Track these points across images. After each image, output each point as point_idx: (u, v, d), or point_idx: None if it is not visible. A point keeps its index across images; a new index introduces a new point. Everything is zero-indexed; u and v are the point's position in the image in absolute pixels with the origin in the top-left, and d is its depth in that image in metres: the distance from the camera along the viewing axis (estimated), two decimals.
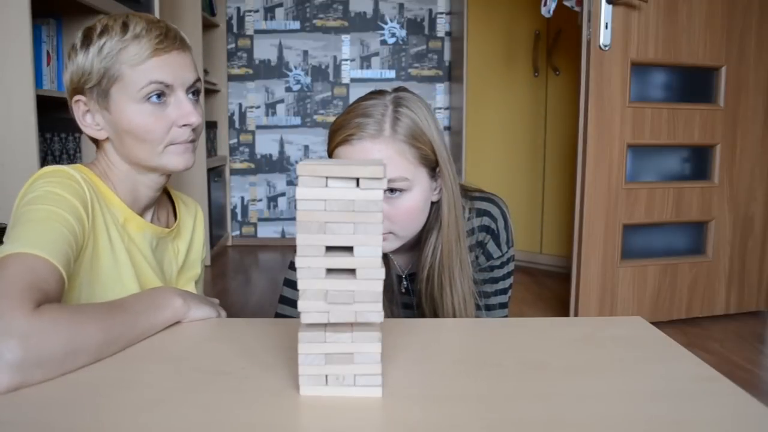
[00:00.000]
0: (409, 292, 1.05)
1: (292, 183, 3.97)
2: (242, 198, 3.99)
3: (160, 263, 0.98)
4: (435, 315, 1.00)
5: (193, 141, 0.92)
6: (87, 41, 0.87)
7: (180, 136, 0.89)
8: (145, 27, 0.87)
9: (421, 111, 0.93)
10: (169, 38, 0.88)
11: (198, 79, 0.93)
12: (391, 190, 0.91)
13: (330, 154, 0.97)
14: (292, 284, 1.06)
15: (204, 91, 3.32)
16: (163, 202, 1.04)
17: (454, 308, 0.98)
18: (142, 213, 0.95)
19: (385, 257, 1.00)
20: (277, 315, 1.06)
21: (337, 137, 0.93)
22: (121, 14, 0.90)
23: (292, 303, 1.05)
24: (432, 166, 0.95)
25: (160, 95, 0.87)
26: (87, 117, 0.91)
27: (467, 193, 1.04)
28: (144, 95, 0.86)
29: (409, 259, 1.05)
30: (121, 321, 0.70)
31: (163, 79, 0.87)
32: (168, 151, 0.89)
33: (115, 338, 0.68)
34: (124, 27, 0.87)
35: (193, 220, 1.08)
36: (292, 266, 1.07)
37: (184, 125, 0.89)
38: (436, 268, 0.97)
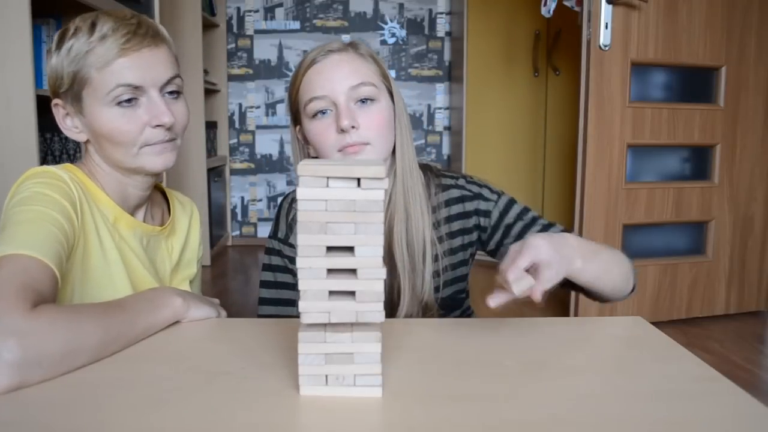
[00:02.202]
0: None
1: (292, 183, 3.96)
2: (242, 198, 3.99)
3: (153, 261, 0.97)
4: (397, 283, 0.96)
5: (172, 140, 0.90)
6: (59, 44, 0.85)
7: (154, 137, 0.87)
8: (113, 26, 0.84)
9: (370, 49, 1.00)
10: (138, 36, 0.84)
11: (176, 75, 0.89)
12: (362, 101, 0.93)
13: (295, 95, 0.98)
14: (268, 284, 1.04)
15: (204, 91, 3.32)
16: (157, 200, 1.03)
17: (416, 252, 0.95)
18: (133, 212, 0.94)
19: None
20: (260, 318, 1.03)
21: (304, 66, 0.96)
22: (94, 13, 0.87)
23: (272, 285, 1.03)
24: (389, 88, 0.98)
25: (131, 98, 0.85)
26: (67, 120, 0.90)
27: (435, 171, 1.05)
28: (112, 99, 0.84)
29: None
30: (120, 320, 0.70)
31: (131, 81, 0.84)
32: (143, 153, 0.87)
33: (114, 338, 0.68)
34: (92, 27, 0.84)
35: (189, 219, 1.07)
36: (265, 267, 1.06)
37: (158, 126, 0.86)
38: (396, 206, 0.96)
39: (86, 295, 0.85)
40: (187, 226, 1.07)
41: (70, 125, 0.90)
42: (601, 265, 0.86)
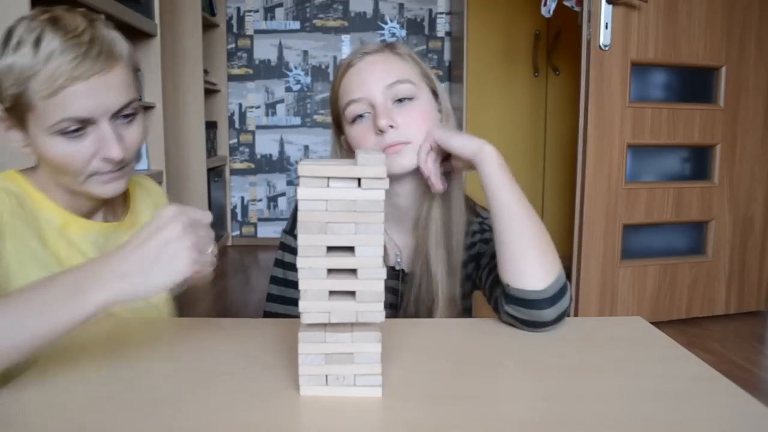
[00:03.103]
0: (396, 292, 1.03)
1: (292, 183, 3.97)
2: (242, 198, 3.99)
3: None
4: (420, 308, 0.97)
5: (121, 169, 0.83)
6: (3, 51, 0.77)
7: (102, 168, 0.81)
8: (60, 46, 0.74)
9: (412, 49, 0.97)
10: (89, 59, 0.75)
11: (132, 101, 0.81)
12: (400, 100, 0.90)
13: (334, 100, 0.96)
14: (277, 281, 1.04)
15: (204, 91, 3.32)
16: (120, 195, 0.95)
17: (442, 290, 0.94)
18: (89, 214, 0.90)
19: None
20: (266, 314, 1.04)
21: (340, 70, 0.94)
22: (42, 19, 0.76)
23: (281, 282, 1.03)
24: (433, 89, 0.95)
25: (78, 128, 0.77)
26: (12, 132, 0.82)
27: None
28: (57, 130, 0.77)
29: (406, 239, 1.02)
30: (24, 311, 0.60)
31: (79, 113, 0.76)
32: (91, 181, 0.82)
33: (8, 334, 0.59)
34: (37, 43, 0.74)
35: (155, 206, 1.01)
36: (276, 263, 1.05)
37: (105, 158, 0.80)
38: (432, 239, 0.94)
39: None
40: (153, 211, 1.01)
41: (14, 138, 0.83)
42: (521, 200, 0.81)
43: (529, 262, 0.78)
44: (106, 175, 0.82)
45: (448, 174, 0.94)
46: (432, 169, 0.89)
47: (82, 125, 0.77)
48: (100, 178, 0.82)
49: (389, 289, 0.99)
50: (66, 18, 0.77)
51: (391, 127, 0.88)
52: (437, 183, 0.89)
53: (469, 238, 0.99)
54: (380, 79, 0.90)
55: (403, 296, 1.00)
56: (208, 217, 0.66)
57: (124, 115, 0.81)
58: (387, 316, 0.98)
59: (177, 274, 0.62)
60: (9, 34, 0.77)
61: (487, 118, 3.42)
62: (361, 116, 0.91)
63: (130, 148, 0.82)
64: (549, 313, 0.77)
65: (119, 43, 0.80)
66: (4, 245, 0.79)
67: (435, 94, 0.96)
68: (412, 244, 1.01)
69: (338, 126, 0.98)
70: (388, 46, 0.95)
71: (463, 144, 0.85)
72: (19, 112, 0.78)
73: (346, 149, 0.98)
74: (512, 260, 0.79)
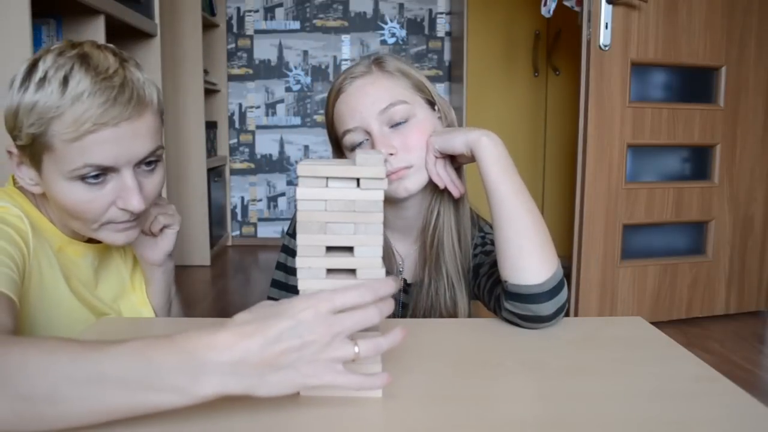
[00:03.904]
0: (398, 303, 1.03)
1: (292, 183, 3.97)
2: (242, 198, 3.99)
3: (105, 278, 0.89)
4: (431, 305, 0.97)
5: (137, 218, 0.79)
6: (24, 83, 0.71)
7: (119, 217, 0.76)
8: (90, 87, 0.69)
9: (402, 62, 0.95)
10: (118, 104, 0.70)
11: (157, 148, 0.77)
12: (397, 124, 0.89)
13: (330, 125, 0.96)
14: (279, 285, 1.04)
15: (204, 91, 3.32)
16: None
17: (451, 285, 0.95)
18: (87, 239, 0.85)
19: (387, 258, 0.98)
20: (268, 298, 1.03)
21: (333, 95, 0.93)
22: (71, 55, 0.71)
23: (282, 286, 1.02)
24: (429, 99, 0.94)
25: (98, 175, 0.73)
26: (22, 168, 0.77)
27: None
28: (77, 175, 0.72)
29: (409, 249, 1.02)
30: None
31: (102, 161, 0.71)
32: (105, 228, 0.78)
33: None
34: (65, 82, 0.69)
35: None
36: (278, 266, 1.04)
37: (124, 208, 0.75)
38: (436, 239, 0.94)
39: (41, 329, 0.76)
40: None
41: (24, 175, 0.78)
42: (519, 193, 0.81)
43: (526, 256, 0.78)
44: (121, 225, 0.78)
45: (459, 170, 0.94)
46: (445, 177, 0.90)
47: (103, 172, 0.73)
48: (115, 226, 0.78)
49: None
50: (97, 56, 0.72)
51: (391, 154, 0.88)
52: (455, 189, 0.90)
53: (470, 251, 0.98)
54: (372, 104, 0.89)
55: (407, 305, 1.00)
56: (372, 291, 0.52)
57: (146, 162, 0.77)
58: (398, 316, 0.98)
59: (304, 386, 0.52)
60: (33, 66, 0.72)
61: (487, 118, 3.42)
62: (359, 144, 0.91)
63: (149, 197, 0.78)
64: (547, 308, 0.77)
65: (149, 87, 0.76)
66: (30, 282, 0.75)
67: (431, 102, 0.95)
68: (415, 253, 1.00)
69: (337, 147, 0.98)
70: (376, 63, 0.93)
71: (462, 141, 0.85)
72: (35, 151, 0.72)
73: None
74: (510, 256, 0.79)
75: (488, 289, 0.90)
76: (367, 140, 0.90)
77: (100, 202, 0.74)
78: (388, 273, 0.93)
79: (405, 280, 1.01)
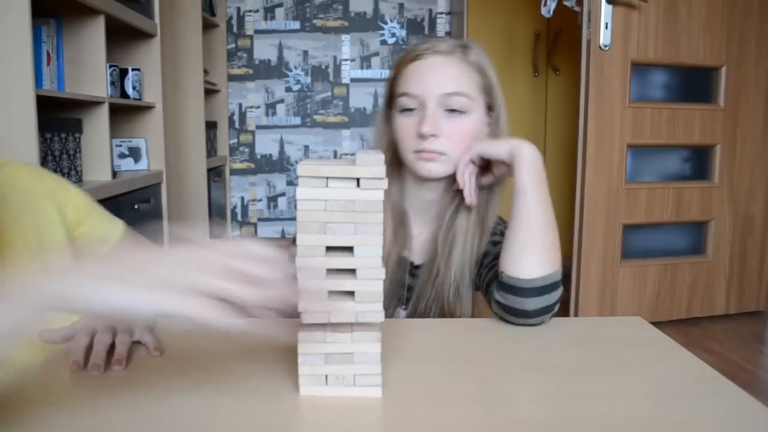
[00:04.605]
0: (403, 285, 1.03)
1: (292, 183, 3.97)
2: (242, 198, 3.99)
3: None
4: (430, 303, 0.98)
5: None
6: None
7: None
8: None
9: (486, 56, 0.97)
10: None
11: None
12: (452, 111, 0.91)
13: (393, 82, 0.97)
14: None
15: (204, 91, 3.32)
16: None
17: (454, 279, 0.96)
18: None
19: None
20: None
21: (409, 56, 0.94)
22: None
23: None
24: (489, 103, 0.96)
25: None
26: None
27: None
28: None
29: (421, 230, 1.02)
30: None
31: None
32: None
33: None
34: None
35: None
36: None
37: None
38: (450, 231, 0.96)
39: None
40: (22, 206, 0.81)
41: None
42: (542, 200, 0.86)
43: (526, 254, 0.82)
44: None
45: (485, 186, 0.96)
46: (467, 183, 0.92)
47: None
48: None
49: (397, 282, 1.00)
50: None
51: (433, 135, 0.90)
52: (470, 197, 0.92)
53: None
54: (439, 84, 0.91)
55: (413, 288, 1.01)
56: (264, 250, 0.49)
57: None
58: (393, 308, 0.99)
59: (153, 300, 0.46)
60: None
61: None
62: (410, 110, 0.93)
63: None
64: (532, 303, 0.80)
65: None
66: None
67: (490, 108, 0.96)
68: (425, 235, 1.02)
69: (389, 101, 0.99)
70: (463, 48, 0.95)
71: (505, 146, 0.89)
72: None
73: (389, 126, 0.98)
74: (514, 249, 0.83)
75: (487, 282, 0.91)
76: (417, 110, 0.92)
77: None
78: (401, 248, 0.96)
79: (412, 263, 1.02)
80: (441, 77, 0.92)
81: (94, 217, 0.90)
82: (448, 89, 0.91)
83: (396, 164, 0.98)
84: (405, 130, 0.93)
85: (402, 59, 0.97)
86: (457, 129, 0.92)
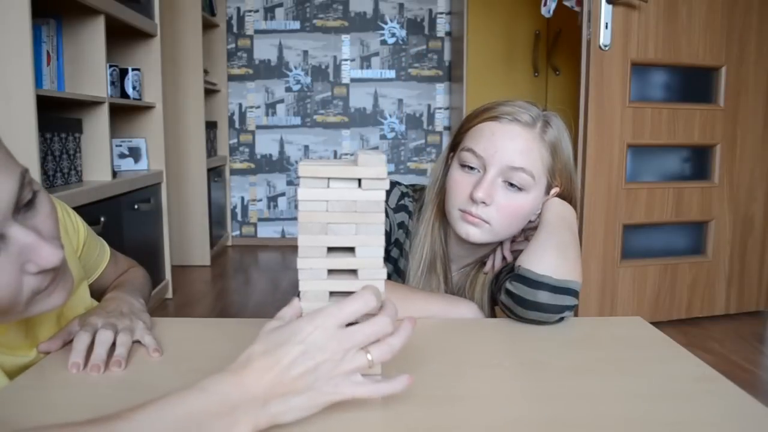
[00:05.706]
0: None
1: (292, 183, 3.97)
2: (242, 198, 3.99)
3: (38, 322, 0.73)
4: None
5: (61, 268, 0.61)
6: None
7: (42, 284, 0.58)
8: None
9: (566, 132, 0.95)
10: None
11: (21, 177, 0.56)
12: (511, 185, 0.89)
13: (463, 131, 0.96)
14: None
15: (204, 91, 3.32)
16: None
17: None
18: None
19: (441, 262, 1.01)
20: None
21: (487, 114, 0.92)
22: None
23: None
24: (550, 184, 0.94)
25: None
26: None
27: None
28: None
29: (454, 267, 1.05)
30: None
31: None
32: (35, 302, 0.59)
33: None
34: None
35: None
36: None
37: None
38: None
39: None
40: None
41: None
42: (569, 231, 0.89)
43: (547, 254, 0.84)
44: (50, 287, 0.60)
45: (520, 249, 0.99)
46: (499, 262, 1.00)
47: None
48: (45, 293, 0.59)
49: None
50: None
51: (484, 203, 0.89)
52: (491, 264, 1.00)
53: None
54: (507, 155, 0.89)
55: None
56: (369, 301, 0.53)
57: (24, 204, 0.57)
58: None
59: (327, 403, 0.53)
60: None
61: None
62: (470, 168, 0.91)
63: (53, 237, 0.59)
64: (544, 297, 0.80)
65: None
66: None
67: (550, 187, 0.94)
68: (455, 275, 1.07)
69: (454, 145, 0.98)
70: (544, 122, 0.92)
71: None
72: None
73: (443, 175, 0.99)
74: (533, 250, 0.85)
75: (502, 282, 0.91)
76: (478, 171, 0.90)
77: (6, 280, 0.54)
78: (435, 277, 1.00)
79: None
80: (512, 148, 0.89)
81: (90, 240, 0.90)
82: (515, 163, 0.88)
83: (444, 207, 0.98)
84: (458, 186, 0.91)
85: (479, 113, 0.94)
86: (510, 204, 0.90)
